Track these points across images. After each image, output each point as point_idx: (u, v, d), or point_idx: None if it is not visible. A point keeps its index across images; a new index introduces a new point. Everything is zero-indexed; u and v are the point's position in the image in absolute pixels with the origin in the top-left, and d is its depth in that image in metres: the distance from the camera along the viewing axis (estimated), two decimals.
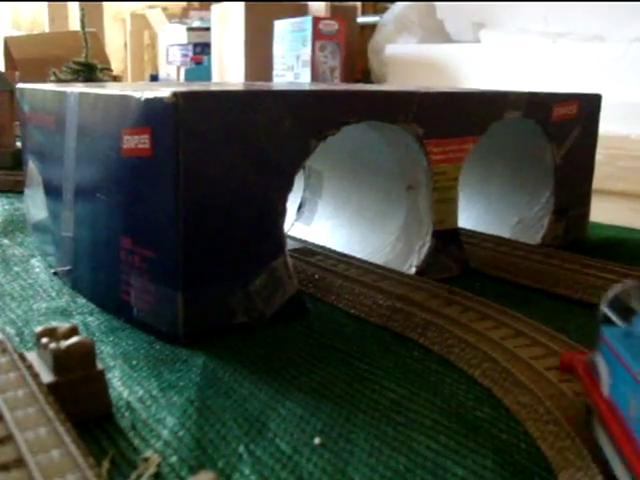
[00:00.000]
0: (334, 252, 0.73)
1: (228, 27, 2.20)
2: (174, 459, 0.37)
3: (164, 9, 3.38)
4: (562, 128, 0.78)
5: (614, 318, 0.35)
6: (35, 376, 0.38)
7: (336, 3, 2.23)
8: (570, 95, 0.79)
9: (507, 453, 0.39)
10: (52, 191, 0.70)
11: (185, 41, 2.84)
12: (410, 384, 0.47)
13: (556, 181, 0.80)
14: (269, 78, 1.96)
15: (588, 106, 0.81)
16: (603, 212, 0.96)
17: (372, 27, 2.60)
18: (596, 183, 0.86)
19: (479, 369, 0.48)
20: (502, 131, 0.75)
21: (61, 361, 0.39)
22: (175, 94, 0.49)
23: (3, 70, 1.77)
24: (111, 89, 0.61)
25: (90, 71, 1.50)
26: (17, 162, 0.96)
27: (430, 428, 0.41)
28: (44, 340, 0.41)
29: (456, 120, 0.69)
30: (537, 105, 0.76)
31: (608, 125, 0.93)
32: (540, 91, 0.77)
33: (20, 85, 0.80)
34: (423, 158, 0.68)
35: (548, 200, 0.81)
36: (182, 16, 3.30)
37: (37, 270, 0.71)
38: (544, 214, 0.81)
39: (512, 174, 0.83)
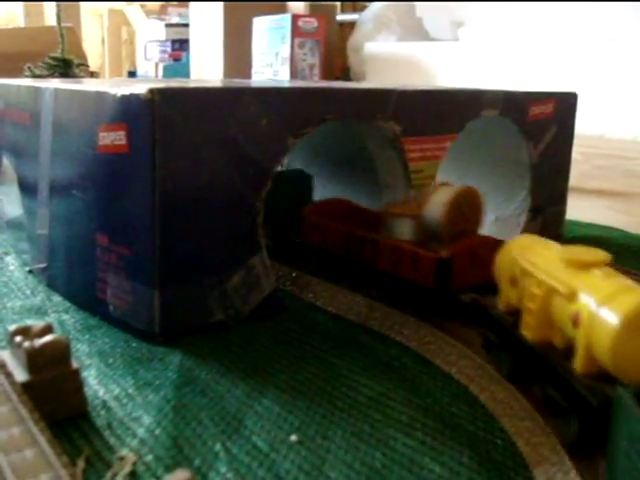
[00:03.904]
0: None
1: (207, 24, 2.19)
2: (150, 458, 0.37)
3: (142, 5, 3.36)
4: (538, 126, 0.79)
5: None
6: (8, 375, 0.38)
7: (315, 3, 2.23)
8: (546, 94, 0.80)
9: (483, 449, 0.39)
10: (27, 188, 0.69)
11: (163, 37, 2.82)
12: (387, 381, 0.47)
13: (533, 179, 0.80)
14: (248, 75, 1.96)
15: (564, 105, 0.82)
16: (579, 210, 0.97)
17: (351, 25, 2.60)
18: (572, 181, 0.87)
19: (456, 366, 0.49)
20: (479, 129, 0.75)
21: (35, 360, 0.39)
22: (152, 91, 0.49)
23: None
24: (87, 85, 0.61)
25: (66, 67, 1.48)
26: None
27: (407, 425, 0.41)
28: (18, 339, 0.40)
29: (433, 118, 0.69)
30: (513, 104, 0.76)
31: (584, 124, 0.94)
32: (517, 90, 0.78)
33: None
34: (400, 156, 0.68)
35: (525, 198, 0.81)
36: (160, 12, 3.28)
37: (11, 268, 0.70)
38: (521, 212, 0.81)
39: (489, 172, 0.83)
